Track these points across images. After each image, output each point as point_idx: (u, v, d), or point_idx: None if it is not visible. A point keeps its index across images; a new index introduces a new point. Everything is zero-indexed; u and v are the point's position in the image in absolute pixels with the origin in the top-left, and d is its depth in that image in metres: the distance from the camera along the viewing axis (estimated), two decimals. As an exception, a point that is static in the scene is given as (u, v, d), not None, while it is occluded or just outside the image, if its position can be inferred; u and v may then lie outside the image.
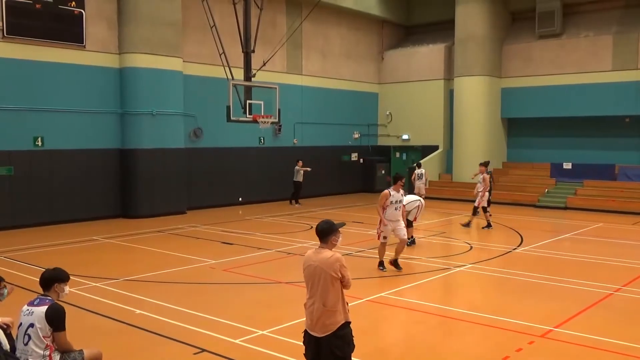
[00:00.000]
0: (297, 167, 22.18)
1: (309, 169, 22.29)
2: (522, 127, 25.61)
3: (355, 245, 13.88)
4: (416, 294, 9.58)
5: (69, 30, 17.22)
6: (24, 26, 16.23)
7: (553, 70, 23.78)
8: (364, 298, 9.12)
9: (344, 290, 5.08)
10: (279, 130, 23.36)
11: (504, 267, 11.68)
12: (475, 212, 16.90)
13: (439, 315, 8.49)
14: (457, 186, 24.77)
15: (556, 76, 23.70)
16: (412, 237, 14.28)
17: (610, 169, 22.41)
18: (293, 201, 22.47)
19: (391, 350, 7.02)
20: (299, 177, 22.17)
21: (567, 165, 23.30)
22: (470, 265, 11.85)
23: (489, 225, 16.75)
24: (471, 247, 13.82)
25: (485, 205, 16.82)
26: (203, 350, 6.93)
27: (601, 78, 22.55)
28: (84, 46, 17.64)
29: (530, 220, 18.71)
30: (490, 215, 16.99)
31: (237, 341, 7.25)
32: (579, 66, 23.13)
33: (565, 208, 21.30)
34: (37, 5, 16.42)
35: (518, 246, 13.97)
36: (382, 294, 9.43)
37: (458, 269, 11.62)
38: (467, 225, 16.91)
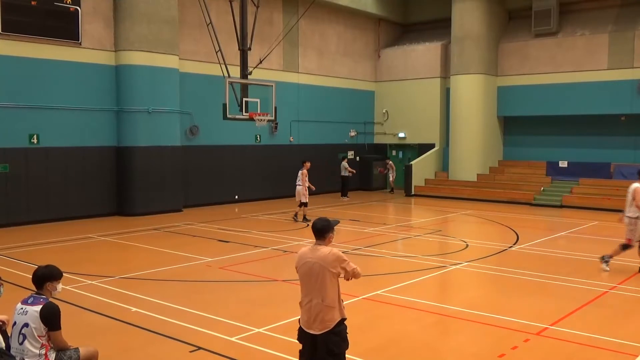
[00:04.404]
0: (343, 164, 24.32)
1: (354, 171, 24.99)
2: (518, 125, 25.64)
3: (352, 243, 13.90)
4: (412, 292, 9.59)
5: (64, 28, 17.16)
6: (19, 23, 16.16)
7: (549, 68, 23.81)
8: (360, 296, 9.12)
9: (355, 280, 5.17)
10: (275, 128, 23.35)
11: (500, 265, 11.71)
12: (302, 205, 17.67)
13: (435, 313, 8.51)
14: (453, 184, 24.81)
15: (552, 74, 23.74)
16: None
17: (606, 167, 22.46)
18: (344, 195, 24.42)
19: (387, 348, 7.03)
20: (345, 173, 24.28)
21: (563, 164, 23.35)
22: (466, 263, 11.87)
23: (304, 219, 17.41)
24: (467, 245, 13.84)
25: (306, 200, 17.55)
26: (199, 348, 6.93)
27: (597, 77, 22.59)
28: (80, 43, 17.58)
29: (526, 218, 18.76)
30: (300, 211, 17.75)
31: (233, 339, 7.25)
32: (575, 65, 23.17)
33: (561, 206, 21.35)
34: (33, 2, 16.36)
35: (514, 244, 14.00)
36: (378, 292, 9.44)
37: (454, 267, 11.64)
38: (296, 217, 17.64)
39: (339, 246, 12.98)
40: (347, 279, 5.14)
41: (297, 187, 17.53)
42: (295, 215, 17.63)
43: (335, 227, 5.18)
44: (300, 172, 17.59)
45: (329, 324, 4.91)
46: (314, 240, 5.15)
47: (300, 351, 5.19)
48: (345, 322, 5.05)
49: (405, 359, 6.75)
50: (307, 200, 17.51)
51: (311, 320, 4.96)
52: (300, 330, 5.10)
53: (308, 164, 17.79)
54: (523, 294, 9.56)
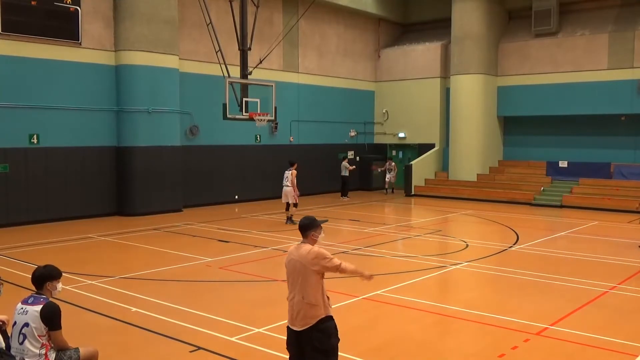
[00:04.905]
0: (344, 163, 24.22)
1: (354, 167, 24.97)
2: (518, 125, 25.65)
3: (352, 243, 13.89)
4: (412, 292, 9.59)
5: (64, 28, 17.16)
6: (19, 23, 16.16)
7: (549, 68, 23.82)
8: (359, 296, 9.12)
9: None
10: (275, 128, 23.35)
11: (500, 265, 11.71)
12: (288, 207, 17.16)
13: (434, 313, 8.51)
14: (453, 184, 24.82)
15: (552, 74, 23.75)
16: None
17: (606, 167, 22.46)
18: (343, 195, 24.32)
19: (387, 348, 7.03)
20: (346, 172, 24.17)
21: (563, 164, 23.35)
22: (466, 263, 11.87)
23: (287, 220, 17.07)
24: (467, 245, 13.85)
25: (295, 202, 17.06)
26: (199, 348, 6.93)
27: (597, 77, 22.60)
28: (80, 43, 17.58)
29: (526, 218, 18.76)
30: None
31: (233, 339, 7.25)
32: (575, 65, 23.18)
33: (561, 206, 21.35)
34: (33, 2, 16.36)
35: (514, 244, 14.01)
36: (378, 292, 9.43)
37: (454, 267, 11.64)
38: (292, 221, 16.83)
39: (339, 246, 13.01)
40: (366, 279, 5.30)
41: (285, 188, 17.01)
42: (289, 218, 17.09)
43: (322, 226, 5.21)
44: (288, 172, 17.02)
45: (310, 321, 4.95)
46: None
47: (287, 348, 5.26)
48: (332, 320, 5.06)
49: (405, 359, 6.76)
50: (297, 202, 17.11)
51: (294, 317, 5.03)
52: (288, 327, 5.17)
53: (296, 165, 17.30)
54: (523, 294, 9.56)
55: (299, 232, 5.23)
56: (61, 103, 17.28)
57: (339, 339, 5.10)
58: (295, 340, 5.05)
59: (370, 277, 5.37)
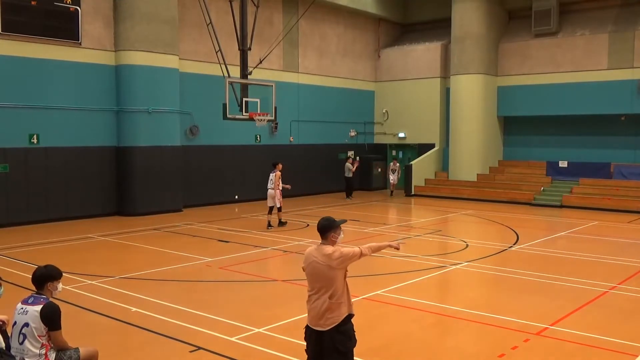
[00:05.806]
0: (347, 164, 24.05)
1: (357, 163, 24.70)
2: (518, 125, 25.65)
3: (352, 243, 13.86)
4: (412, 292, 9.59)
5: (64, 28, 17.16)
6: (19, 23, 16.17)
7: (549, 68, 23.82)
8: (360, 296, 9.11)
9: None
10: (275, 128, 23.35)
11: (500, 265, 11.71)
12: (271, 211, 16.43)
13: (435, 313, 8.51)
14: (453, 184, 24.82)
15: (552, 74, 23.75)
16: None
17: (606, 167, 22.46)
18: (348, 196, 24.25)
19: (387, 348, 7.03)
20: (349, 174, 24.02)
21: (563, 164, 23.34)
22: (466, 263, 11.87)
23: (279, 223, 16.39)
24: (467, 245, 13.85)
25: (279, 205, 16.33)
26: (199, 348, 6.93)
27: (597, 77, 22.59)
28: (80, 43, 17.59)
29: (526, 218, 18.76)
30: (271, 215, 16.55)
31: (233, 339, 7.25)
32: (575, 65, 23.18)
33: (561, 206, 21.35)
34: (33, 2, 16.36)
35: (514, 244, 14.00)
36: (378, 292, 9.44)
37: (454, 267, 11.64)
38: (270, 225, 16.23)
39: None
40: (394, 248, 5.56)
41: (269, 190, 16.28)
42: (269, 223, 16.28)
43: (341, 227, 5.18)
44: (272, 174, 16.36)
45: (334, 320, 4.94)
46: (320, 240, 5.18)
47: (305, 349, 5.21)
48: (352, 320, 5.07)
49: (405, 359, 6.76)
50: (281, 205, 16.38)
51: (318, 317, 4.99)
52: (307, 328, 5.12)
53: (280, 166, 16.59)
54: (523, 294, 9.56)
55: (299, 233, 5.23)
56: (61, 103, 17.28)
57: (356, 340, 5.12)
58: (316, 340, 5.01)
59: (397, 246, 5.51)
